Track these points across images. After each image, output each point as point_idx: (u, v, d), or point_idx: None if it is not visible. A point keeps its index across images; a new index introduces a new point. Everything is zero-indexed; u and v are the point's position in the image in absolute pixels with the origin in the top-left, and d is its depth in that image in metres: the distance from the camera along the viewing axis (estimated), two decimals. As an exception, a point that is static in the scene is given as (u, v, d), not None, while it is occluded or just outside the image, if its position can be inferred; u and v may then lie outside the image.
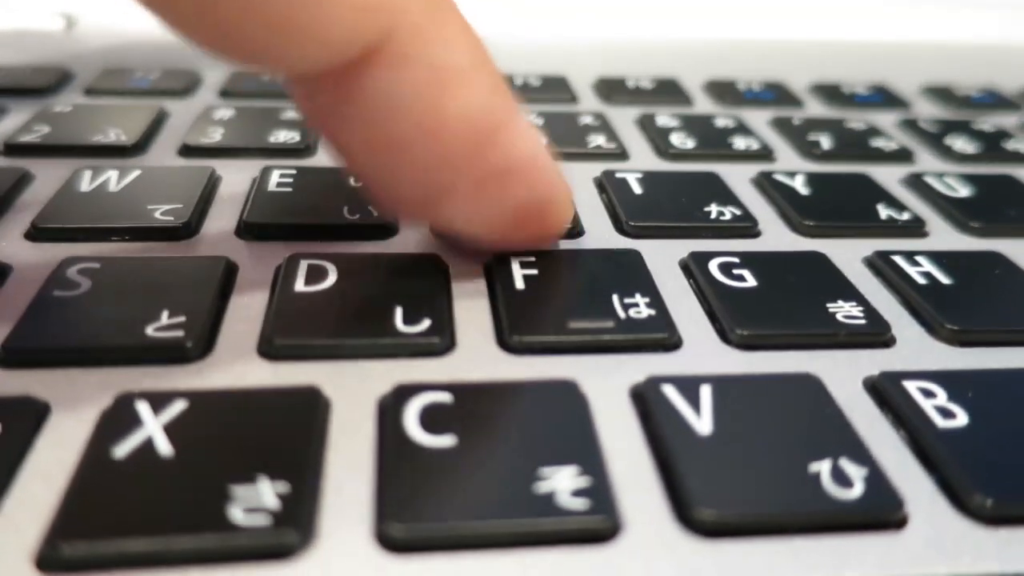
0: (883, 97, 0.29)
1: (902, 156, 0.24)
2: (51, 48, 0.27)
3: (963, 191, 0.22)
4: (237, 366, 0.13)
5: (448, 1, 0.14)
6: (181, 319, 0.14)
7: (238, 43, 0.12)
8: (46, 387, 0.13)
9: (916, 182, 0.22)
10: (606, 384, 0.14)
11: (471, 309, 0.15)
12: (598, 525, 0.11)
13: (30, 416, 0.12)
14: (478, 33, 0.14)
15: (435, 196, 0.14)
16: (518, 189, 0.14)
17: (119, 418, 0.12)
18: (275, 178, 0.19)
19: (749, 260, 0.17)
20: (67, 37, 0.29)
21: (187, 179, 0.19)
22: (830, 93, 0.29)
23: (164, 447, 0.12)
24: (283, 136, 0.22)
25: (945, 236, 0.20)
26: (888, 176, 0.23)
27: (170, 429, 0.12)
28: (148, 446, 0.12)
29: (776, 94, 0.28)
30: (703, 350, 0.15)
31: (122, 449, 0.11)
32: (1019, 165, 0.24)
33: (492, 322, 0.15)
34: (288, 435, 0.12)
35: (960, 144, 0.25)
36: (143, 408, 0.12)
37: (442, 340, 0.14)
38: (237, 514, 0.11)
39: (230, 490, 0.11)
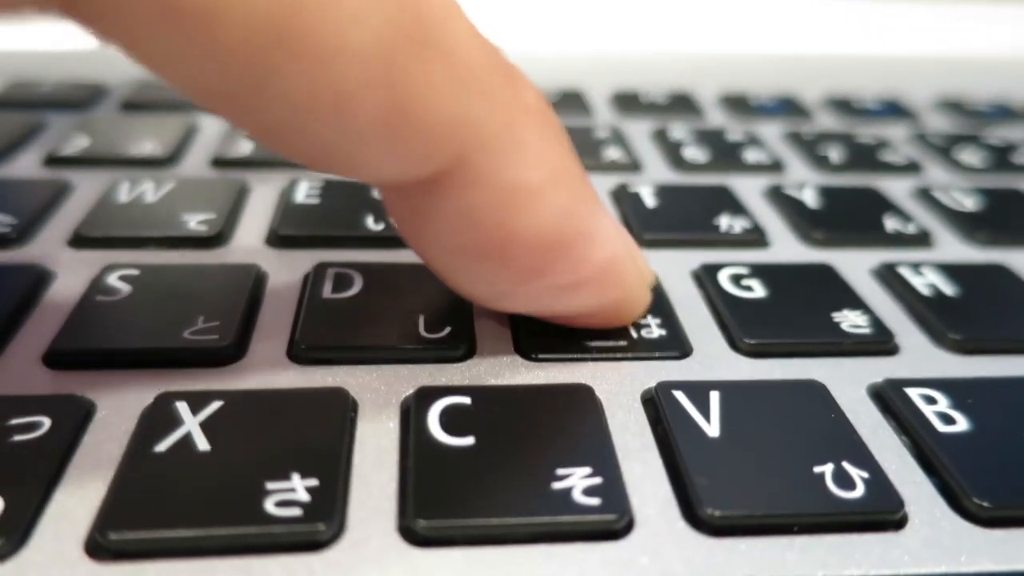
0: (894, 110, 0.29)
1: (911, 169, 0.24)
2: (89, 64, 0.28)
3: (970, 204, 0.22)
4: (268, 368, 0.14)
5: (534, 107, 0.13)
6: (215, 323, 0.15)
7: (316, 161, 0.12)
8: (91, 387, 0.13)
9: (924, 195, 0.23)
10: (619, 389, 0.14)
11: (491, 317, 0.16)
12: (610, 522, 0.12)
13: (77, 414, 0.13)
14: (564, 138, 0.14)
15: (509, 296, 0.14)
16: (588, 298, 0.14)
17: (159, 416, 0.13)
18: (303, 189, 0.20)
19: (758, 271, 0.18)
20: (103, 53, 0.30)
21: (219, 190, 0.20)
22: (841, 106, 0.29)
23: (202, 444, 0.12)
24: (309, 149, 0.23)
25: (951, 248, 0.20)
26: (896, 189, 0.23)
27: (207, 427, 0.13)
28: (187, 443, 0.12)
29: (788, 107, 0.29)
30: (713, 357, 0.15)
31: (163, 445, 0.12)
32: (1027, 178, 0.24)
33: (511, 332, 0.16)
34: (317, 434, 0.13)
35: (969, 157, 0.26)
36: (182, 407, 0.13)
37: (463, 347, 0.15)
38: (270, 507, 0.11)
39: (264, 484, 0.12)
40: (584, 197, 0.14)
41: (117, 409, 0.13)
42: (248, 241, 0.18)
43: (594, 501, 0.12)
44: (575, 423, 0.13)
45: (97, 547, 0.11)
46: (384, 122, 0.11)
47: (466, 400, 0.13)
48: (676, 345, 0.15)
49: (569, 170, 0.13)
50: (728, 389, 0.14)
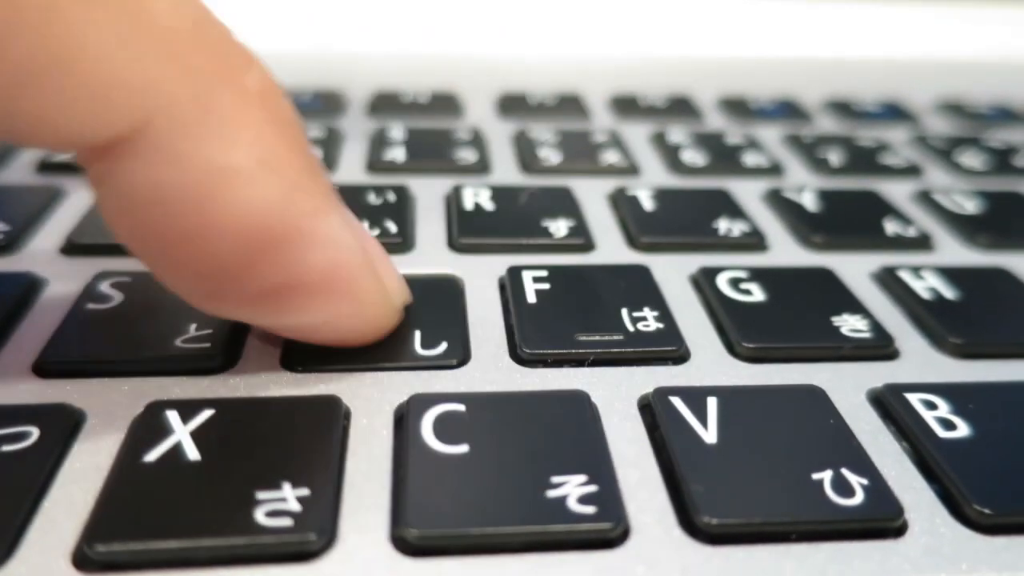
0: (894, 113, 0.29)
1: (911, 172, 0.24)
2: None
3: (971, 207, 0.22)
4: (261, 377, 0.14)
5: (255, 90, 0.12)
6: (208, 331, 0.15)
7: None
8: (81, 396, 0.13)
9: (924, 198, 0.23)
10: (616, 395, 0.14)
11: (485, 323, 0.16)
12: (606, 531, 0.11)
13: (66, 423, 0.13)
14: (294, 129, 0.12)
15: (218, 296, 0.13)
16: (313, 309, 0.13)
17: (150, 425, 0.13)
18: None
19: (757, 275, 0.18)
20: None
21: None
22: (841, 109, 0.29)
23: (192, 453, 0.12)
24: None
25: (952, 251, 0.20)
26: (897, 192, 0.23)
27: (197, 436, 0.12)
28: (177, 452, 0.12)
29: (787, 110, 0.29)
30: (711, 362, 0.15)
31: (152, 455, 0.12)
32: (1029, 180, 0.24)
33: (505, 335, 0.15)
34: (309, 442, 0.12)
35: (969, 160, 0.25)
36: (172, 416, 0.13)
37: (457, 353, 0.15)
38: (261, 517, 0.11)
39: (254, 494, 0.11)
40: (309, 193, 0.12)
41: (107, 418, 0.13)
42: (242, 247, 0.18)
43: (589, 509, 0.12)
44: (570, 430, 0.13)
45: (84, 559, 0.11)
46: (41, 71, 0.10)
47: (460, 407, 0.13)
48: (671, 340, 0.15)
49: (291, 161, 0.12)
50: (726, 394, 0.14)
